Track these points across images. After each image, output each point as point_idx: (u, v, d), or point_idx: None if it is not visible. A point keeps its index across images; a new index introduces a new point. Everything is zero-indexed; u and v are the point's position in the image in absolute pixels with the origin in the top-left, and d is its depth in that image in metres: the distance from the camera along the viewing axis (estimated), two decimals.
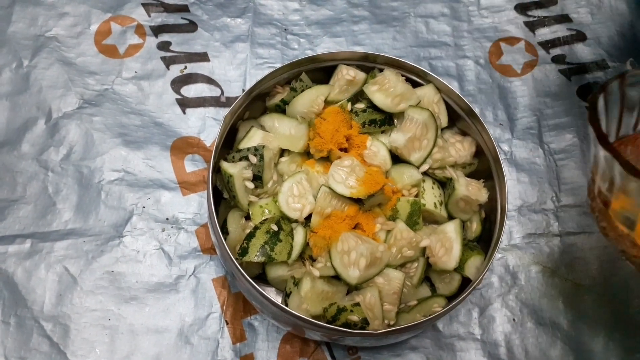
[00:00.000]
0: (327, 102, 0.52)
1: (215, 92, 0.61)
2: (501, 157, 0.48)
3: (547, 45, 0.65)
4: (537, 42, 0.65)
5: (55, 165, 0.55)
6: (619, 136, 0.46)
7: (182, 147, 0.57)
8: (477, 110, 0.50)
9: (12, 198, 0.54)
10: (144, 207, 0.54)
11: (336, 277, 0.46)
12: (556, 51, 0.65)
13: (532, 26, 0.66)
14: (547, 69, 0.64)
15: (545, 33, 0.66)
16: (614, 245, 0.44)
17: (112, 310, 0.50)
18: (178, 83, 0.61)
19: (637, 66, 0.63)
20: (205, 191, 0.56)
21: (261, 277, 0.49)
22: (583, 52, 0.65)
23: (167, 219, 0.54)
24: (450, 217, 0.50)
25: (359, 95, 0.53)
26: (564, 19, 0.67)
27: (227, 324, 0.50)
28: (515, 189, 0.58)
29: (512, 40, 0.66)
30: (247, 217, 0.49)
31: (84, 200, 0.54)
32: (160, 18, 0.64)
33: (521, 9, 0.67)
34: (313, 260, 0.47)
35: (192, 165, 0.57)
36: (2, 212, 0.53)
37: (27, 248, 0.52)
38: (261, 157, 0.48)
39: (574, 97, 0.62)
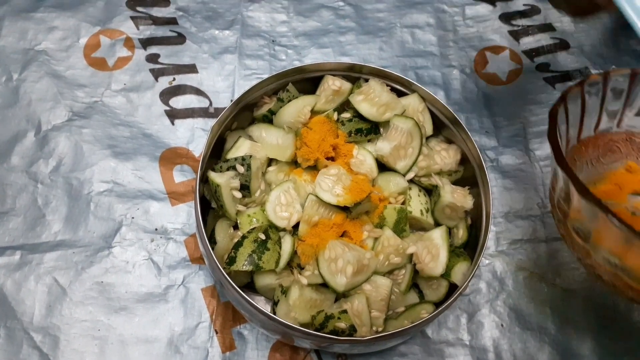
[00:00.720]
0: (314, 112, 0.52)
1: (204, 103, 0.61)
2: (487, 164, 0.49)
3: (532, 53, 0.66)
4: (522, 51, 0.67)
5: (45, 177, 0.56)
6: (580, 139, 0.47)
7: (171, 157, 0.58)
8: (463, 119, 0.51)
9: (1, 210, 0.54)
10: (133, 217, 0.55)
11: (324, 285, 0.46)
12: (540, 59, 0.66)
13: (516, 35, 0.68)
14: (531, 77, 0.65)
15: (530, 42, 0.67)
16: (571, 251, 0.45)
17: (101, 321, 0.50)
18: (167, 94, 0.61)
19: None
20: (193, 201, 0.56)
21: (250, 286, 0.49)
22: (566, 60, 0.66)
23: (156, 229, 0.55)
24: (437, 224, 0.50)
25: (345, 105, 0.53)
26: (547, 27, 0.68)
27: (217, 333, 0.51)
28: (502, 195, 0.58)
29: (497, 49, 0.67)
30: (235, 227, 0.49)
31: (74, 212, 0.54)
32: (148, 31, 0.65)
33: (505, 18, 0.69)
34: (301, 268, 0.48)
35: (181, 176, 0.57)
36: None
37: (16, 260, 0.52)
38: (248, 167, 0.48)
39: None
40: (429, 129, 0.53)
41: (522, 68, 0.66)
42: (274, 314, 0.46)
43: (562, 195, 0.42)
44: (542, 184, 0.59)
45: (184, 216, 0.55)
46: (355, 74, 0.54)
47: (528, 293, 0.54)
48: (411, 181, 0.51)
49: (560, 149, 0.41)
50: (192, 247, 0.54)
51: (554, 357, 0.51)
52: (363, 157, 0.51)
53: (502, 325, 0.53)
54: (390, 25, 0.68)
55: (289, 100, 0.52)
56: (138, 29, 0.65)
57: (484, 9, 0.69)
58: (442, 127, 0.53)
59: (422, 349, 0.51)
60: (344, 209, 0.48)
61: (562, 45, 0.67)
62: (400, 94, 0.53)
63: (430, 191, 0.52)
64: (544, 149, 0.61)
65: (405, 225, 0.49)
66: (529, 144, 0.61)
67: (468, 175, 0.52)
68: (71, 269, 0.52)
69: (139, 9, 0.66)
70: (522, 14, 0.69)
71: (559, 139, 0.42)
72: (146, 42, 0.64)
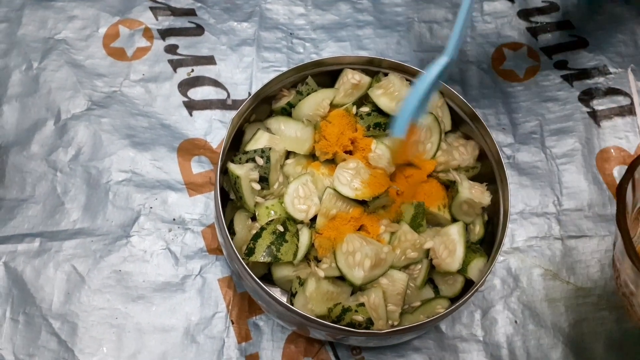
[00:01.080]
0: (333, 106, 0.52)
1: (222, 94, 0.61)
2: (504, 161, 0.49)
3: (549, 51, 0.66)
4: (540, 48, 0.66)
5: (64, 166, 0.56)
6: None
7: (189, 148, 0.58)
8: (480, 115, 0.51)
9: (21, 197, 0.54)
10: (151, 207, 0.55)
11: (341, 278, 0.47)
12: (558, 57, 0.66)
13: (534, 32, 0.67)
14: (549, 74, 0.65)
15: (548, 39, 0.67)
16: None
17: (119, 309, 0.51)
18: (185, 86, 0.61)
19: (637, 73, 0.64)
20: (211, 192, 0.56)
21: (266, 277, 0.49)
22: (585, 58, 0.66)
23: (174, 219, 0.55)
24: (454, 220, 0.51)
25: (364, 99, 0.54)
26: (565, 25, 0.68)
27: (233, 323, 0.51)
28: (518, 192, 0.58)
29: (514, 46, 0.66)
30: (253, 218, 0.50)
31: (92, 201, 0.55)
32: (167, 22, 0.65)
33: (524, 15, 0.68)
34: (318, 261, 0.48)
35: (199, 167, 0.57)
36: (12, 212, 0.54)
37: (36, 247, 0.52)
38: (268, 159, 0.49)
39: (575, 103, 0.63)
40: (447, 124, 0.53)
41: (539, 65, 0.65)
42: (291, 305, 0.46)
43: (629, 283, 0.41)
44: (558, 182, 0.59)
45: (201, 207, 0.56)
46: (374, 68, 0.54)
47: (542, 290, 0.54)
48: (429, 176, 0.51)
49: (633, 244, 0.38)
50: (209, 238, 0.54)
51: (567, 355, 0.52)
52: (381, 151, 0.51)
53: (515, 321, 0.53)
54: (408, 20, 0.67)
55: (308, 94, 0.52)
56: (157, 19, 0.65)
57: (502, 5, 0.69)
58: (460, 122, 0.53)
59: (436, 343, 0.52)
60: (362, 203, 0.48)
61: (581, 43, 0.67)
62: None
63: (448, 186, 0.52)
64: (560, 147, 0.60)
65: (423, 220, 0.49)
66: (545, 142, 0.61)
67: (485, 171, 0.52)
68: (90, 257, 0.52)
69: None
70: (540, 11, 0.69)
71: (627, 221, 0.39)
72: (165, 33, 0.64)
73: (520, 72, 0.65)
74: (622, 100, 0.63)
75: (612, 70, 0.65)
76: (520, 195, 0.58)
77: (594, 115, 0.62)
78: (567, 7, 0.68)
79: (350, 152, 0.51)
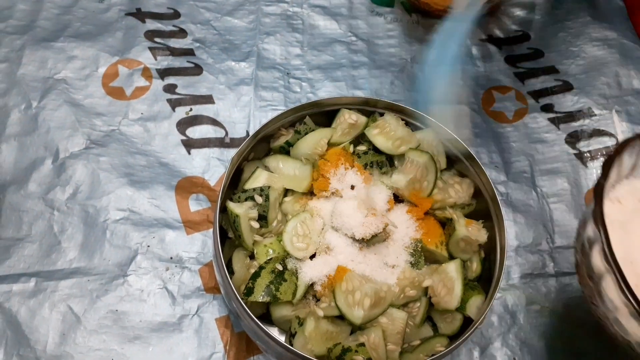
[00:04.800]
0: (330, 144, 0.53)
1: (220, 133, 0.62)
2: (498, 198, 0.50)
3: (536, 94, 0.68)
4: (527, 92, 0.68)
5: (61, 205, 0.56)
6: None
7: (187, 186, 0.59)
8: (473, 153, 0.52)
9: (17, 237, 0.54)
10: (148, 246, 0.55)
11: (340, 317, 0.47)
12: (545, 100, 0.68)
13: (521, 77, 0.70)
14: (536, 117, 0.67)
15: (534, 83, 0.69)
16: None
17: (115, 350, 0.50)
18: (183, 124, 0.62)
19: (622, 114, 0.66)
20: (209, 230, 0.56)
21: (264, 317, 0.49)
22: (570, 101, 0.68)
23: (171, 258, 0.55)
24: (451, 257, 0.51)
25: (361, 138, 0.55)
26: (551, 70, 0.70)
27: None
28: (512, 229, 0.59)
29: (503, 89, 0.69)
30: (251, 257, 0.50)
31: (89, 239, 0.55)
32: (166, 61, 0.66)
33: (510, 60, 0.71)
34: (317, 299, 0.48)
35: (197, 205, 0.58)
36: (7, 251, 0.53)
37: (31, 287, 0.52)
38: (267, 197, 0.49)
39: (563, 145, 0.65)
40: (443, 162, 0.54)
41: (527, 108, 0.67)
42: (291, 345, 0.46)
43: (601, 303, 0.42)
44: (550, 220, 0.60)
45: (199, 245, 0.56)
46: (370, 108, 0.55)
47: (539, 327, 0.54)
48: (426, 214, 0.52)
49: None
50: (206, 277, 0.54)
51: None
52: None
53: (514, 358, 0.53)
54: (401, 61, 0.69)
55: (306, 133, 0.53)
56: (156, 59, 0.66)
57: (491, 50, 0.72)
58: (455, 161, 0.55)
59: None
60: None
61: (566, 86, 0.69)
62: (413, 128, 0.55)
63: (444, 224, 0.52)
64: (550, 187, 0.62)
65: (420, 257, 0.50)
66: (536, 181, 0.62)
67: (480, 208, 0.53)
68: (86, 296, 0.52)
69: (157, 39, 0.68)
70: (526, 57, 0.71)
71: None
72: (164, 73, 0.65)
73: (509, 114, 0.67)
74: (608, 141, 0.65)
75: (597, 112, 0.67)
76: (514, 232, 0.59)
77: (581, 157, 0.64)
78: (551, 54, 0.71)
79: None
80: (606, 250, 0.38)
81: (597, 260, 0.40)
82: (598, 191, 0.40)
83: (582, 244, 0.43)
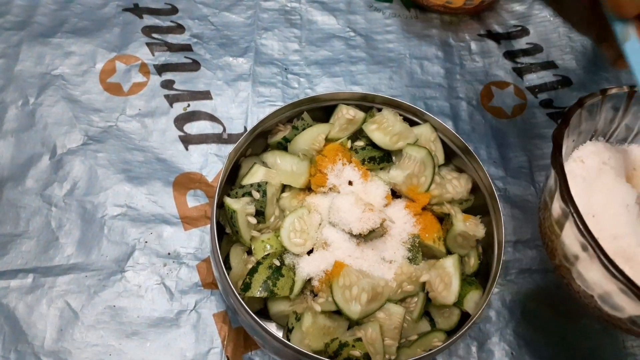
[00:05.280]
0: (328, 140, 0.53)
1: (218, 129, 0.62)
2: (496, 193, 0.50)
3: (535, 90, 0.68)
4: (526, 87, 0.68)
5: (59, 201, 0.56)
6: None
7: (185, 182, 0.58)
8: (471, 148, 0.52)
9: (15, 233, 0.54)
10: (146, 242, 0.55)
11: (337, 312, 0.47)
12: (543, 96, 0.68)
13: (520, 72, 0.69)
14: (535, 112, 0.66)
15: (533, 78, 0.69)
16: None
17: (113, 346, 0.50)
18: (181, 120, 0.62)
19: None
20: (206, 226, 0.56)
21: (262, 312, 0.49)
22: (569, 96, 0.68)
23: (169, 253, 0.55)
24: (449, 252, 0.51)
25: (358, 134, 0.55)
26: (550, 65, 0.70)
27: (228, 359, 0.50)
28: (510, 224, 0.59)
29: (501, 85, 0.68)
30: (249, 252, 0.50)
31: (87, 235, 0.55)
32: (164, 57, 0.66)
33: (509, 55, 0.71)
34: (314, 295, 0.48)
35: (194, 201, 0.58)
36: (5, 247, 0.53)
37: (29, 283, 0.52)
38: (264, 193, 0.49)
39: None
40: (440, 158, 0.54)
41: (526, 103, 0.67)
42: (288, 340, 0.46)
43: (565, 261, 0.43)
44: None
45: (196, 241, 0.56)
46: (367, 104, 0.55)
47: (537, 322, 0.54)
48: (423, 209, 0.52)
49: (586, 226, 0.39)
50: (204, 272, 0.54)
51: None
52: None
53: (512, 353, 0.53)
54: (400, 56, 0.69)
55: (304, 128, 0.53)
56: (153, 55, 0.66)
57: (489, 45, 0.71)
58: (453, 156, 0.54)
59: None
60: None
61: (565, 82, 0.69)
62: (411, 123, 0.55)
63: (442, 219, 0.52)
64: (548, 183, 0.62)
65: (418, 252, 0.50)
66: (534, 177, 0.62)
67: (478, 204, 0.53)
68: (83, 292, 0.52)
69: (155, 35, 0.67)
70: (525, 53, 0.71)
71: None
72: (161, 68, 0.65)
73: (508, 110, 0.67)
74: None
75: None
76: (512, 228, 0.59)
77: None
78: (550, 50, 0.71)
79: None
80: (564, 191, 0.39)
81: (557, 208, 0.40)
82: (557, 136, 0.42)
83: (544, 200, 0.44)
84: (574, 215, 0.38)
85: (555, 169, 0.40)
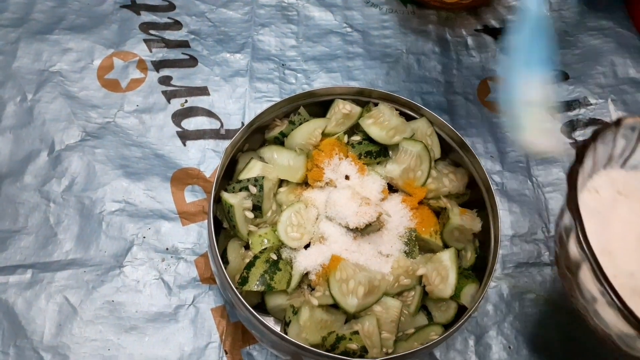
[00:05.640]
0: (324, 135, 0.54)
1: (215, 124, 0.62)
2: (493, 187, 0.50)
3: None
4: None
5: (57, 197, 0.56)
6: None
7: (182, 178, 0.59)
8: (468, 143, 0.52)
9: (13, 229, 0.54)
10: (144, 237, 0.55)
11: (334, 306, 0.47)
12: None
13: None
14: None
15: None
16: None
17: (111, 340, 0.50)
18: (179, 116, 0.62)
19: (617, 103, 0.66)
20: (204, 221, 0.57)
21: (259, 307, 0.49)
22: (566, 90, 0.68)
23: (167, 248, 0.55)
24: (446, 246, 0.51)
25: (355, 128, 0.55)
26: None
27: (226, 353, 0.51)
28: (507, 219, 0.59)
29: (498, 79, 0.68)
30: (247, 247, 0.50)
31: (85, 231, 0.55)
32: (161, 53, 0.66)
33: (506, 51, 0.70)
34: (312, 289, 0.48)
35: (192, 196, 0.58)
36: (4, 243, 0.53)
37: (27, 278, 0.52)
38: (261, 188, 0.49)
39: (558, 134, 0.64)
40: (437, 152, 0.54)
41: None
42: (285, 334, 0.46)
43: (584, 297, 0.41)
44: (545, 210, 0.60)
45: (194, 236, 0.56)
46: (364, 98, 0.55)
47: (534, 315, 0.55)
48: (420, 203, 0.52)
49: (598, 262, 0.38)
50: (202, 267, 0.54)
51: None
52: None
53: (509, 347, 0.53)
54: (397, 52, 0.69)
55: (301, 123, 0.53)
56: (151, 51, 0.66)
57: (486, 40, 0.71)
58: (450, 150, 0.55)
59: None
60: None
61: (561, 76, 0.69)
62: (408, 118, 0.55)
63: (439, 213, 0.52)
64: (545, 176, 0.62)
65: (415, 246, 0.50)
66: (532, 170, 0.62)
67: (475, 198, 0.53)
68: (82, 288, 0.52)
69: (152, 32, 0.68)
70: None
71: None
72: (159, 65, 0.65)
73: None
74: None
75: (592, 101, 0.67)
76: (509, 222, 0.59)
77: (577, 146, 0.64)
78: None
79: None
80: (580, 236, 0.37)
81: (574, 249, 0.40)
82: (572, 177, 0.40)
83: (559, 235, 0.43)
84: (592, 263, 0.37)
85: (571, 212, 0.39)
